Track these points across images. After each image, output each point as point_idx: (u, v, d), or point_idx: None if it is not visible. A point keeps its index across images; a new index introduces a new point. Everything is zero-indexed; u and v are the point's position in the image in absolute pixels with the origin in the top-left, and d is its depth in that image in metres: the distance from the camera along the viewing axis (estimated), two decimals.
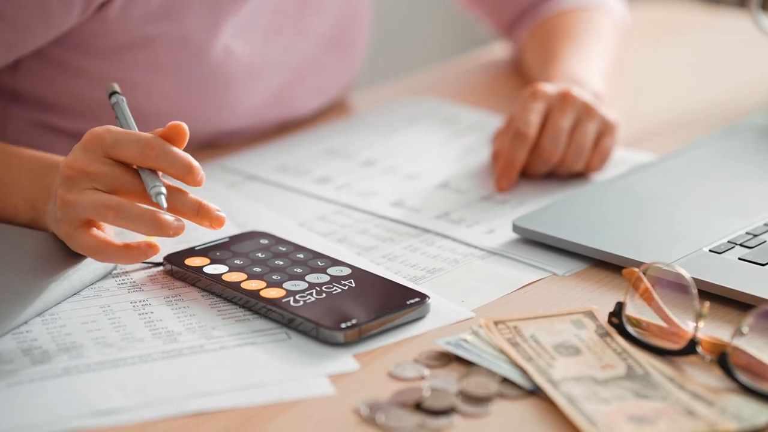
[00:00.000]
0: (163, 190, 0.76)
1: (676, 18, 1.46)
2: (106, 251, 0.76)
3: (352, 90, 1.21)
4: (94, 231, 0.77)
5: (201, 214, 0.77)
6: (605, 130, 0.97)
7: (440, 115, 1.14)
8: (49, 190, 0.81)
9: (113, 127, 0.78)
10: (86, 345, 0.72)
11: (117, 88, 0.83)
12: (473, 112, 1.13)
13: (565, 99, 0.96)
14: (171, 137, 0.77)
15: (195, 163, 0.77)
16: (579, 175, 0.98)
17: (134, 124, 0.80)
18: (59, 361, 0.71)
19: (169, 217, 0.75)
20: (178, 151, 0.77)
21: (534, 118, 0.95)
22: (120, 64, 0.97)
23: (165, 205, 0.75)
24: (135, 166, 0.77)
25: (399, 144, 1.08)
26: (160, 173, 0.77)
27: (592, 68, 1.06)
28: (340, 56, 1.11)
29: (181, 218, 0.76)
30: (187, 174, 0.76)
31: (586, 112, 0.96)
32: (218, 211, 0.78)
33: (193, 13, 0.97)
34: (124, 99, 0.82)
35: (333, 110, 1.17)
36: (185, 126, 0.78)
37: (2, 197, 0.84)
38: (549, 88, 0.97)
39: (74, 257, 0.79)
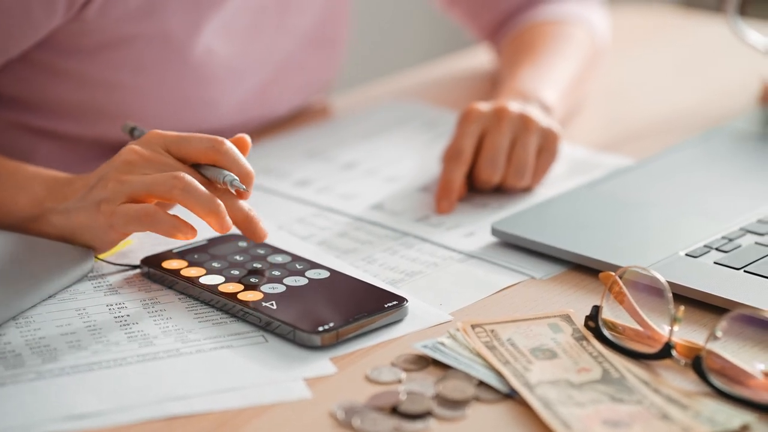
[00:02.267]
0: (236, 177, 0.78)
1: (654, 23, 1.47)
2: (156, 215, 0.77)
3: (333, 88, 1.21)
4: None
5: (248, 221, 0.79)
6: (546, 141, 0.94)
7: (422, 119, 1.14)
8: (65, 193, 0.81)
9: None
10: (60, 349, 0.72)
11: (132, 124, 0.86)
12: (455, 115, 1.13)
13: (500, 116, 0.94)
14: (237, 146, 0.80)
15: (253, 173, 0.80)
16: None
17: None
18: (33, 365, 0.70)
19: (224, 209, 0.77)
20: (242, 155, 0.80)
21: (468, 142, 0.93)
22: (101, 63, 0.97)
23: (243, 187, 0.78)
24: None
25: (380, 147, 1.08)
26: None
27: (544, 81, 1.03)
28: (321, 54, 1.11)
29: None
30: (244, 177, 0.79)
31: (523, 125, 0.94)
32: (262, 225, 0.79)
33: (173, 12, 0.97)
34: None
35: (315, 112, 1.17)
36: (249, 139, 0.81)
37: (4, 193, 0.84)
38: (483, 106, 0.95)
39: (49, 260, 0.79)
